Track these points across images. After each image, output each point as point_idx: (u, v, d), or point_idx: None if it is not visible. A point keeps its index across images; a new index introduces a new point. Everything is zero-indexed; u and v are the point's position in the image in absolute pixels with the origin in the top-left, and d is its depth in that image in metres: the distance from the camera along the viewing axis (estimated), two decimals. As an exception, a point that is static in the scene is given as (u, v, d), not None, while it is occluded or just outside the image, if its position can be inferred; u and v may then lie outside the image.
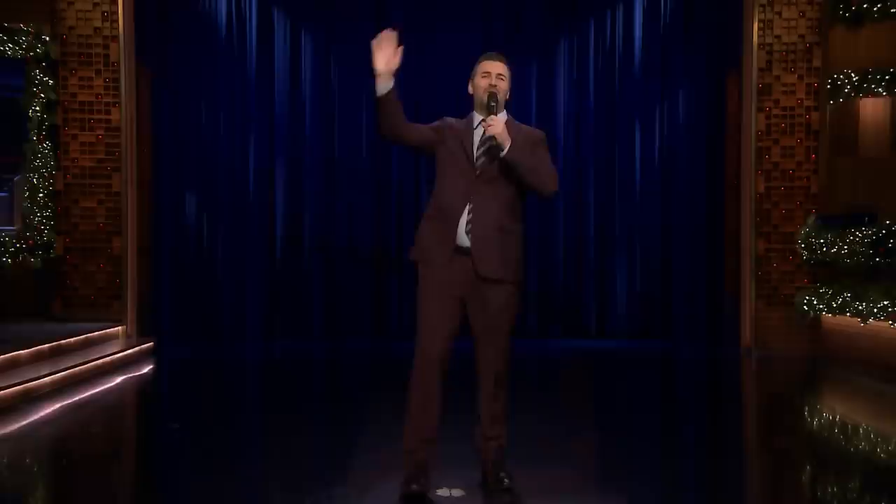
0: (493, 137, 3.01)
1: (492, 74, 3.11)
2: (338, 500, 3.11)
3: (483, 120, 3.06)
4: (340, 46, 8.30)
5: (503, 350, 3.10)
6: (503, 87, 3.12)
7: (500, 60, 3.16)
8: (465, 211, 3.04)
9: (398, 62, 3.03)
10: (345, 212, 8.35)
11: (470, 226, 3.03)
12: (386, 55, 3.02)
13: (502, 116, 3.16)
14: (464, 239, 3.04)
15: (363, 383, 6.32)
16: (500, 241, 3.05)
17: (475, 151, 3.10)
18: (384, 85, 3.05)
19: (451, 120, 3.22)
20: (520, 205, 3.15)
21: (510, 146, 3.01)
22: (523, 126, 3.22)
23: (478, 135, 3.12)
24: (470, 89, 3.18)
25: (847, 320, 6.57)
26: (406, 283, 8.23)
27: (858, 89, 7.49)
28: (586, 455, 3.84)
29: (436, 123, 3.21)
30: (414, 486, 3.04)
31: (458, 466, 3.37)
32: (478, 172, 3.08)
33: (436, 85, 8.06)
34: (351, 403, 5.28)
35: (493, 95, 3.05)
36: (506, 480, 3.14)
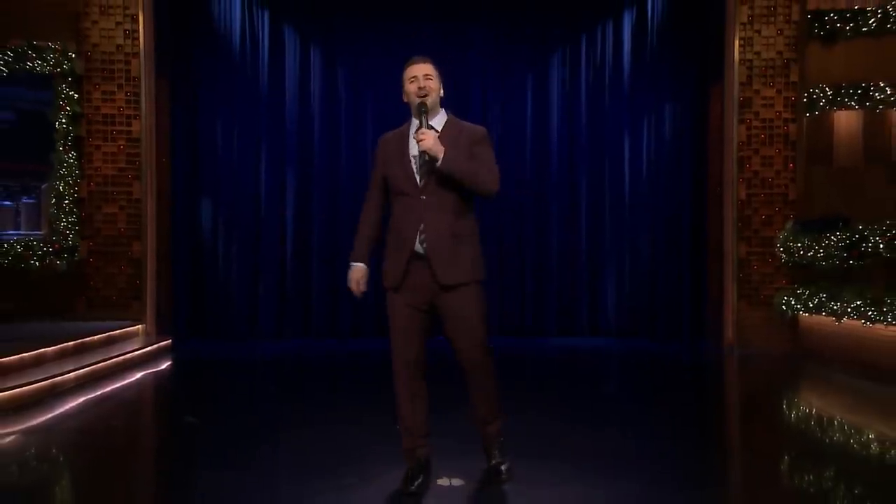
0: (425, 151, 2.90)
1: (419, 77, 2.99)
2: (346, 490, 3.11)
3: (418, 128, 2.95)
4: (346, 60, 8.33)
5: (479, 341, 3.03)
6: (433, 86, 2.99)
7: (425, 62, 3.04)
8: (419, 227, 2.95)
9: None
10: (350, 219, 8.35)
11: (424, 237, 2.95)
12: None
13: (441, 117, 3.04)
14: (419, 249, 2.98)
15: (368, 379, 6.33)
16: (454, 248, 2.96)
17: (415, 164, 2.99)
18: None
19: (387, 137, 3.13)
20: (468, 205, 3.04)
21: (444, 156, 2.89)
22: (465, 124, 3.09)
23: (414, 143, 2.99)
24: (405, 98, 3.05)
25: (823, 319, 6.57)
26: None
27: (833, 103, 7.53)
28: (579, 447, 3.84)
29: (376, 159, 3.12)
30: (412, 487, 3.04)
31: (456, 458, 3.38)
32: (421, 184, 2.98)
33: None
34: (356, 398, 5.29)
35: (421, 105, 2.96)
36: (503, 469, 3.13)
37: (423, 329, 3.06)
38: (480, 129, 3.10)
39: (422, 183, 2.98)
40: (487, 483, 3.16)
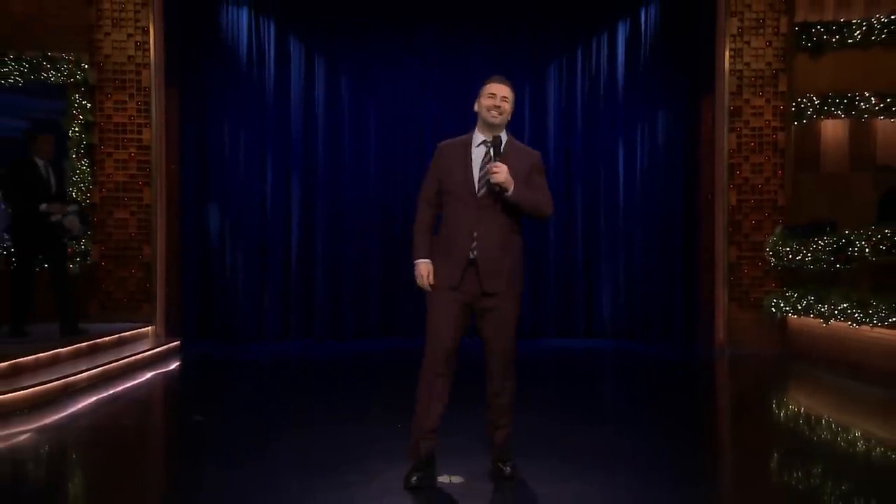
0: (497, 184, 2.99)
1: (497, 96, 3.08)
2: (348, 487, 3.12)
3: (487, 154, 3.04)
4: (349, 69, 8.35)
5: (508, 351, 3.13)
6: (507, 108, 3.10)
7: (506, 84, 3.13)
8: (472, 235, 3.03)
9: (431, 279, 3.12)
10: (353, 225, 8.37)
11: (476, 245, 3.03)
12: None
13: (503, 137, 3.12)
14: (472, 255, 3.05)
15: (370, 380, 6.34)
16: (502, 260, 3.06)
17: (476, 174, 3.06)
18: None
19: (446, 145, 3.18)
20: (517, 220, 3.14)
21: (514, 189, 3.00)
22: (523, 147, 3.19)
23: (477, 154, 3.08)
24: (476, 107, 3.13)
25: (811, 321, 6.58)
26: (408, 288, 8.24)
27: (820, 112, 7.56)
28: (576, 446, 3.85)
29: (433, 165, 3.17)
30: (413, 479, 3.07)
31: (461, 456, 3.39)
32: (479, 196, 3.05)
33: (437, 105, 8.11)
34: (359, 398, 5.30)
35: (495, 141, 3.04)
36: (507, 470, 3.16)
37: (464, 326, 3.12)
38: (535, 154, 3.20)
39: (480, 193, 3.06)
40: (487, 481, 3.17)
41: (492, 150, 3.06)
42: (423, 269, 3.10)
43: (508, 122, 3.16)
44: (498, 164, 3.01)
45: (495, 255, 3.06)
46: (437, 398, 3.07)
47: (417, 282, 3.13)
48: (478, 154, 3.09)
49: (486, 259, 3.05)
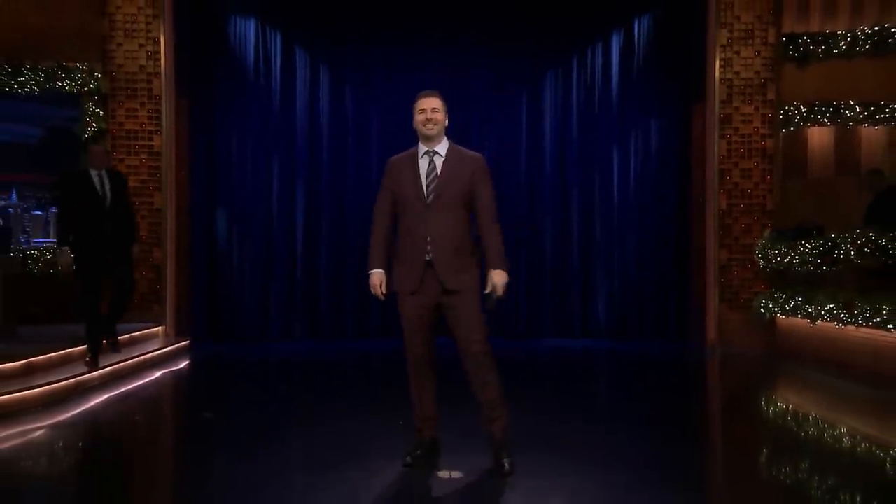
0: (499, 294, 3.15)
1: (427, 110, 3.20)
2: (350, 483, 3.12)
3: (431, 163, 3.17)
4: (353, 79, 8.36)
5: (477, 345, 3.16)
6: (438, 118, 3.19)
7: (434, 96, 3.23)
8: (426, 238, 3.13)
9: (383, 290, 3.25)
10: (356, 229, 8.37)
11: (430, 247, 3.13)
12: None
13: (444, 144, 3.21)
14: (428, 257, 3.15)
15: (373, 379, 6.34)
16: (457, 259, 3.15)
17: (424, 183, 3.17)
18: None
19: (395, 160, 3.28)
20: (467, 221, 3.21)
21: (500, 270, 3.15)
22: (465, 153, 3.26)
23: (423, 165, 3.19)
24: (414, 125, 3.24)
25: (798, 321, 6.58)
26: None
27: (807, 119, 7.57)
28: (572, 442, 3.85)
29: (385, 179, 3.28)
30: (408, 458, 3.25)
31: (461, 452, 3.39)
32: (429, 202, 3.16)
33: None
34: (361, 397, 5.30)
35: (489, 298, 3.16)
36: (506, 466, 3.16)
37: (431, 326, 3.25)
38: (479, 159, 3.26)
39: (429, 200, 3.16)
40: (485, 476, 3.17)
41: (492, 302, 3.17)
42: (375, 279, 3.24)
43: (446, 129, 3.24)
44: (497, 286, 3.14)
45: (450, 254, 3.15)
46: (424, 390, 3.27)
47: (371, 291, 3.24)
48: (423, 164, 3.21)
49: (441, 259, 3.14)
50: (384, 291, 3.23)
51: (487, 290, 3.16)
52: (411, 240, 3.17)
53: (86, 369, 5.22)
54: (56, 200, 5.35)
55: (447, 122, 3.23)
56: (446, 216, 3.14)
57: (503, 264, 3.17)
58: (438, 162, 3.19)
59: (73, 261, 5.14)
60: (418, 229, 3.15)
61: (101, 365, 5.26)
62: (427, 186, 3.16)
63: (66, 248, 5.13)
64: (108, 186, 5.24)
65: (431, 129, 3.18)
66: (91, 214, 5.14)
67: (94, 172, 5.26)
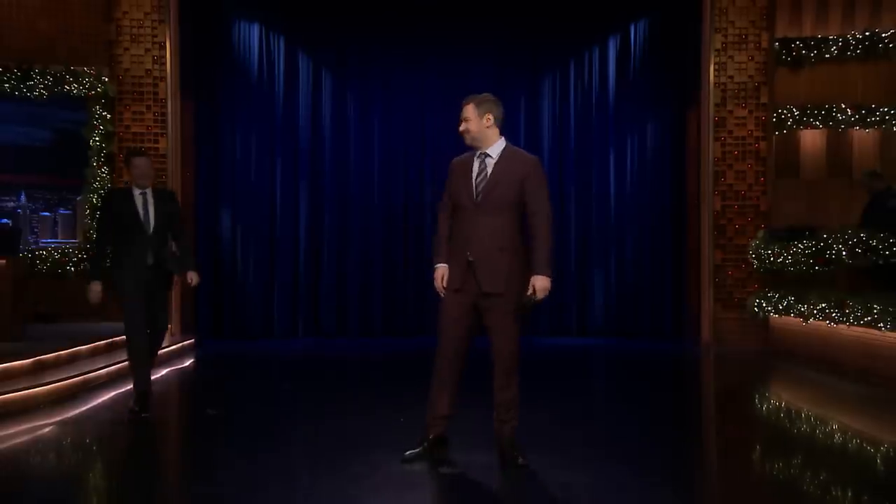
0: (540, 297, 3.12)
1: (461, 122, 3.20)
2: (353, 478, 3.12)
3: (482, 164, 3.18)
4: (355, 83, 8.37)
5: (508, 349, 3.15)
6: (469, 127, 3.18)
7: (465, 104, 3.22)
8: (469, 239, 3.13)
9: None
10: (358, 229, 8.39)
11: (472, 247, 3.12)
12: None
13: (497, 146, 3.18)
14: (470, 257, 3.13)
15: (375, 376, 6.35)
16: (498, 260, 3.11)
17: (473, 184, 3.16)
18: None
19: (455, 162, 3.29)
20: (517, 225, 3.19)
21: (545, 275, 3.12)
22: (519, 153, 3.23)
23: (475, 167, 3.19)
24: None
25: (791, 320, 6.59)
26: (409, 290, 8.28)
27: (799, 122, 7.60)
28: (568, 437, 3.86)
29: (447, 180, 3.29)
30: (407, 453, 3.23)
31: (467, 450, 3.37)
32: (477, 202, 3.14)
33: (437, 117, 8.13)
34: (364, 394, 5.31)
35: (527, 300, 3.13)
36: (520, 459, 3.17)
37: (468, 326, 3.19)
38: (532, 162, 3.23)
39: (478, 200, 3.14)
40: (487, 473, 3.17)
41: (522, 306, 3.15)
42: (438, 273, 3.24)
43: (502, 129, 3.22)
44: (538, 291, 3.10)
45: (492, 256, 3.11)
46: (445, 388, 3.20)
47: (434, 284, 3.24)
48: (476, 165, 3.21)
49: (481, 260, 3.11)
50: (444, 285, 3.19)
51: (529, 294, 3.11)
52: (461, 239, 3.15)
53: (93, 367, 5.23)
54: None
55: (490, 122, 3.16)
56: (494, 217, 3.11)
57: (546, 270, 3.09)
58: (489, 163, 3.16)
59: (118, 292, 4.23)
60: (466, 229, 3.14)
61: (147, 413, 4.24)
62: (476, 187, 3.15)
63: (96, 281, 4.25)
64: (151, 209, 4.23)
65: (468, 141, 3.20)
66: (128, 242, 4.18)
67: (137, 191, 4.25)
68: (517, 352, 3.18)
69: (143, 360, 4.26)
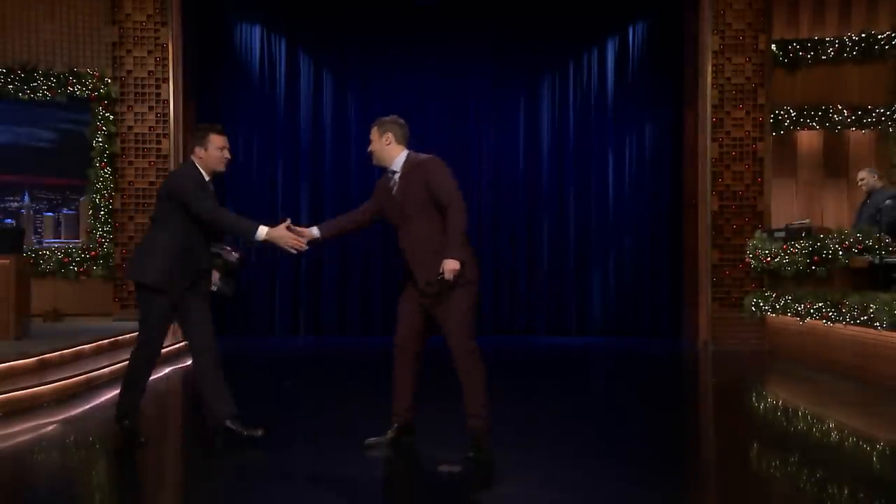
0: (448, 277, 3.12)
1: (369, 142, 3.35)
2: (353, 474, 3.13)
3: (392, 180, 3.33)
4: (355, 85, 8.39)
5: (459, 342, 3.19)
6: (373, 150, 3.32)
7: (371, 127, 3.36)
8: (404, 250, 3.27)
9: (299, 239, 3.47)
10: (357, 230, 8.39)
11: (406, 254, 3.26)
12: (290, 242, 3.44)
13: (399, 160, 3.30)
14: (410, 266, 3.27)
15: (374, 373, 6.35)
16: (432, 261, 3.17)
17: (395, 201, 3.30)
18: (315, 238, 3.48)
19: (379, 183, 3.44)
20: (443, 225, 3.21)
21: (453, 258, 3.11)
22: (419, 159, 3.32)
23: (389, 184, 3.34)
24: None
25: (788, 320, 6.60)
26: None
27: (796, 123, 7.59)
28: (566, 434, 3.86)
29: (374, 192, 3.46)
30: (367, 440, 3.38)
31: (461, 447, 3.38)
32: (401, 214, 3.28)
33: (437, 117, 8.14)
34: (364, 390, 5.32)
35: (438, 281, 3.15)
36: (470, 454, 3.18)
37: (414, 322, 3.32)
38: (427, 162, 3.31)
39: (400, 212, 3.29)
40: (484, 471, 3.18)
41: (432, 286, 3.19)
42: (306, 231, 3.47)
43: (406, 139, 3.35)
44: (445, 272, 3.10)
45: (426, 259, 3.21)
46: (404, 378, 3.37)
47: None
48: (389, 182, 3.36)
49: (416, 265, 3.24)
50: (294, 241, 3.38)
51: (439, 274, 3.14)
52: (402, 252, 3.30)
53: (96, 365, 5.23)
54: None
55: (390, 140, 3.29)
56: (419, 224, 3.23)
57: (454, 253, 3.12)
58: (396, 178, 3.31)
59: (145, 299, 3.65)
60: (402, 242, 3.29)
61: (128, 424, 3.67)
62: (394, 201, 3.30)
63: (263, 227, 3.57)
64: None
65: (374, 162, 3.35)
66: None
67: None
68: (468, 345, 3.18)
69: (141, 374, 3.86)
